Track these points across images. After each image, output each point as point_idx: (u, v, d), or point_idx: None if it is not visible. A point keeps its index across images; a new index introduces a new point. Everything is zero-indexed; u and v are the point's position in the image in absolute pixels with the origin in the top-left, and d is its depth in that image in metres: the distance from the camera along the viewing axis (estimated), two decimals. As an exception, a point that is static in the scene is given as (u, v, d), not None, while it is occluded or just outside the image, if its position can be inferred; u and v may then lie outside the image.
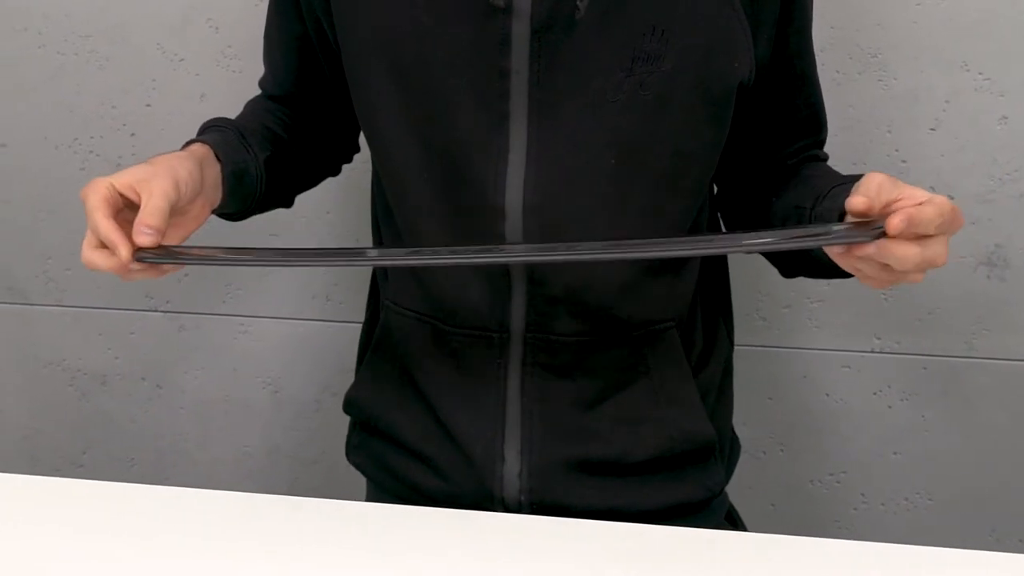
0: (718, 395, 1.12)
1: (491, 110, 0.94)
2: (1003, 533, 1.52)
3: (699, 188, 1.03)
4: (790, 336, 1.49)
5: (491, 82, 0.94)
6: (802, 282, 1.45)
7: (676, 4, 0.93)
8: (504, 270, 0.99)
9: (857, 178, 0.98)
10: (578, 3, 0.91)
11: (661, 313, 1.04)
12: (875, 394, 1.50)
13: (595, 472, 1.04)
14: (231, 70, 1.45)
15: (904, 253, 0.81)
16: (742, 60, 0.96)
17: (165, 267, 0.89)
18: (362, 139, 1.10)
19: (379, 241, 1.12)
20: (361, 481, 1.17)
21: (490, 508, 1.02)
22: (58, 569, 0.86)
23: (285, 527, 0.91)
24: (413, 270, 1.05)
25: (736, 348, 1.50)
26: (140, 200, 0.87)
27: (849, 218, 0.84)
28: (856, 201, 0.81)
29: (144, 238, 0.85)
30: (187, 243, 0.93)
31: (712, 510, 1.11)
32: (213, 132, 1.02)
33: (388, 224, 1.07)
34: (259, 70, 1.15)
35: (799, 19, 1.00)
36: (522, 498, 1.03)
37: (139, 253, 0.86)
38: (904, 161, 1.38)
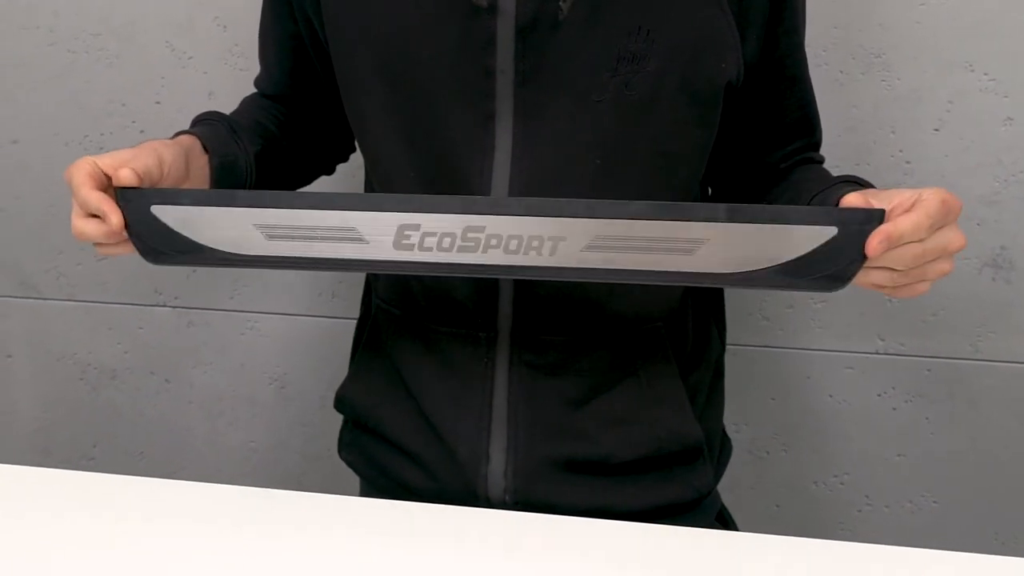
0: (708, 396, 1.12)
1: (477, 109, 0.95)
2: (1008, 536, 1.51)
3: (687, 189, 1.02)
4: (793, 337, 1.48)
5: (477, 82, 0.94)
6: (805, 283, 1.45)
7: (662, 4, 0.93)
8: None
9: (846, 181, 0.98)
10: (561, 3, 0.91)
11: (649, 313, 1.04)
12: (879, 396, 1.49)
13: (581, 472, 1.04)
14: (238, 68, 1.47)
15: (901, 254, 0.81)
16: (729, 60, 0.96)
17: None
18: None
19: None
20: (362, 476, 1.18)
21: (475, 506, 1.02)
22: (69, 560, 0.87)
23: (286, 521, 0.92)
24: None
25: (739, 348, 1.50)
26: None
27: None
28: (851, 201, 0.82)
29: (125, 175, 0.87)
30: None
31: (702, 510, 1.11)
32: (203, 125, 1.03)
33: None
34: (264, 68, 1.16)
35: (789, 20, 0.99)
36: (507, 497, 1.03)
37: (122, 192, 0.87)
38: (908, 162, 1.38)
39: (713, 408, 1.14)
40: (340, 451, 1.17)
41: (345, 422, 1.17)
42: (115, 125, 1.53)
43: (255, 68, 1.15)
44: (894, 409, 1.49)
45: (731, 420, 1.45)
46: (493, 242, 0.85)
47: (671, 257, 0.84)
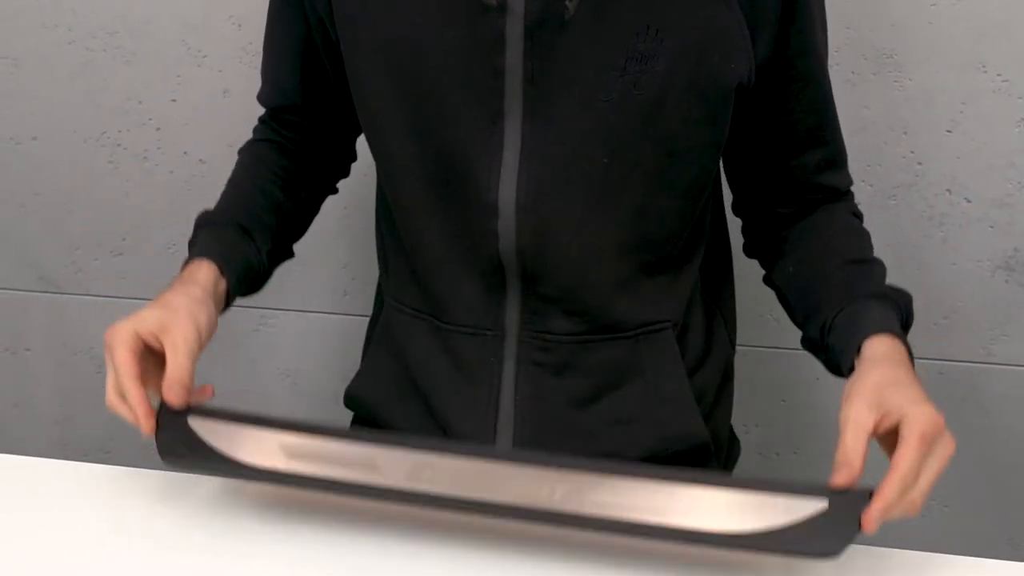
0: (715, 397, 1.12)
1: (486, 108, 0.95)
2: (1020, 542, 1.50)
3: (697, 190, 1.02)
4: (804, 338, 1.48)
5: (486, 81, 0.94)
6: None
7: (671, 3, 0.92)
8: (498, 268, 1.00)
9: (868, 283, 0.98)
10: (567, 2, 0.91)
11: (657, 313, 1.04)
12: (890, 398, 1.48)
13: None
14: (253, 66, 1.47)
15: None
16: (739, 61, 0.95)
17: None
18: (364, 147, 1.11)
19: (381, 244, 1.13)
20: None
21: None
22: (85, 550, 0.89)
23: (293, 515, 0.93)
24: (410, 267, 1.06)
25: (749, 349, 1.50)
26: (162, 347, 0.91)
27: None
28: (839, 480, 0.81)
29: (174, 397, 0.89)
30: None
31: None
32: (214, 235, 1.04)
33: (388, 221, 1.09)
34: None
35: (801, 19, 0.97)
36: None
37: (163, 410, 0.90)
38: (920, 163, 1.37)
39: (721, 409, 1.14)
40: None
41: (354, 419, 1.18)
42: (131, 123, 1.54)
43: (269, 67, 1.15)
44: (905, 412, 1.48)
45: (741, 421, 1.45)
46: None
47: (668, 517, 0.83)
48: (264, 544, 0.90)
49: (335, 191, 1.21)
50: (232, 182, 1.12)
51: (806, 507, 0.81)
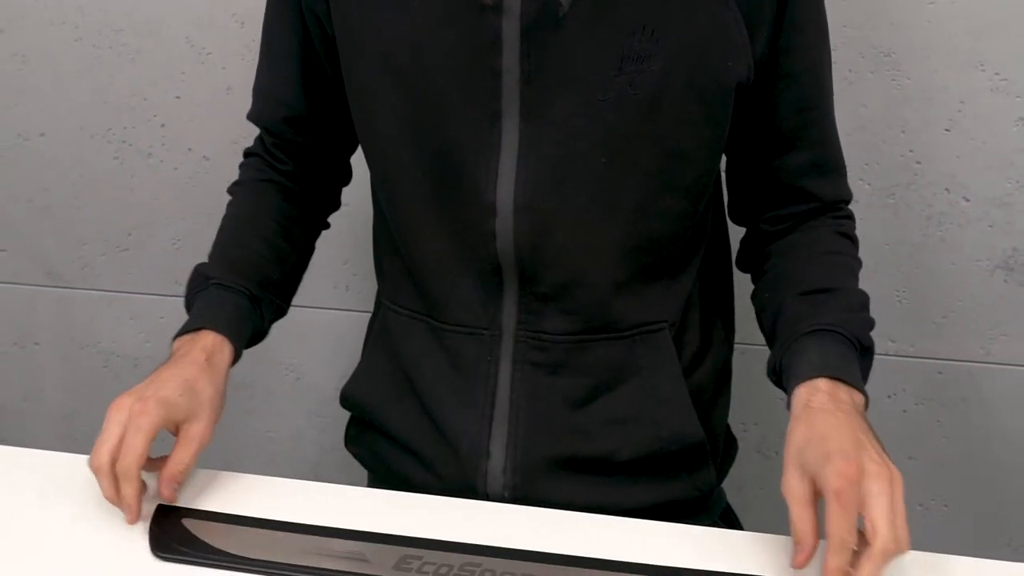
0: (712, 396, 1.11)
1: (484, 109, 0.95)
2: (1020, 543, 1.50)
3: (696, 189, 1.01)
4: (803, 336, 1.48)
5: (483, 81, 0.94)
6: (814, 282, 1.45)
7: (667, 3, 0.92)
8: (496, 268, 1.00)
9: (813, 317, 0.97)
10: (561, 1, 0.91)
11: (654, 314, 1.03)
12: (889, 397, 1.48)
13: (581, 470, 1.04)
14: (255, 64, 1.49)
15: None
16: (738, 59, 0.94)
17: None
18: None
19: (377, 247, 1.14)
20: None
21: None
22: (94, 543, 0.91)
23: (300, 509, 0.95)
24: (407, 267, 1.06)
25: (748, 347, 1.49)
26: (176, 430, 0.94)
27: None
28: (799, 560, 0.81)
29: (168, 492, 0.92)
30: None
31: (706, 509, 1.11)
32: (229, 306, 1.05)
33: (383, 223, 1.10)
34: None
35: (791, 15, 0.96)
36: (505, 493, 1.03)
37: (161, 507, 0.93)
38: (919, 162, 1.37)
39: (717, 408, 1.13)
40: (346, 444, 1.19)
41: (351, 419, 1.19)
42: (137, 119, 1.56)
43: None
44: (904, 411, 1.48)
45: (740, 420, 1.45)
46: (487, 575, 0.87)
47: None
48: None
49: (328, 226, 1.21)
50: (234, 229, 1.12)
51: None
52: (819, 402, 0.89)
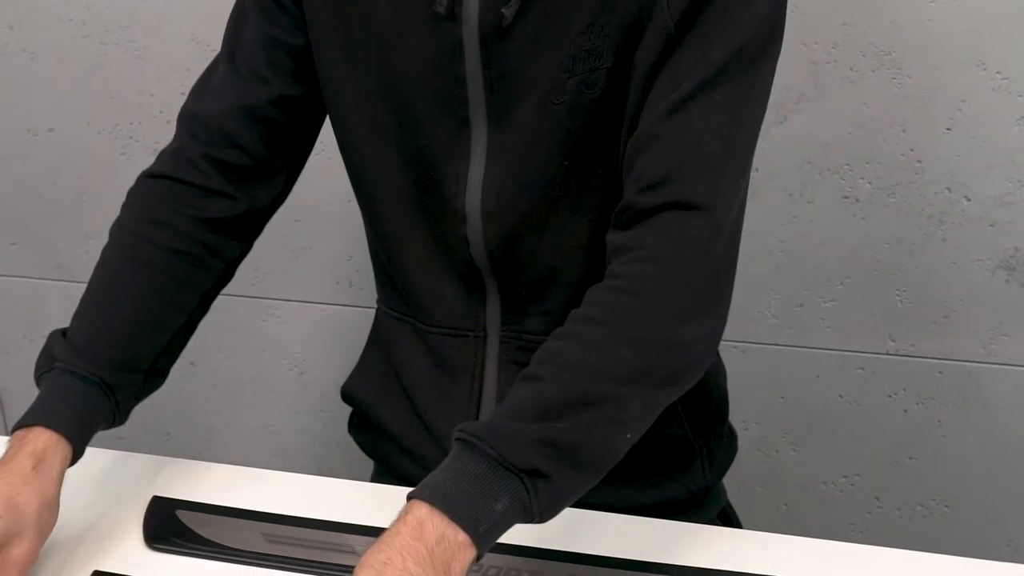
0: (700, 394, 1.11)
1: (453, 117, 0.95)
2: (1020, 543, 1.49)
3: None
4: (803, 336, 1.48)
5: (451, 90, 0.95)
6: (814, 281, 1.45)
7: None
8: (475, 271, 1.00)
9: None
10: (504, 10, 0.90)
11: None
12: (890, 397, 1.48)
13: None
14: (260, 61, 1.50)
15: None
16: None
17: None
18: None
19: (374, 253, 1.14)
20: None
21: None
22: (100, 535, 0.93)
23: (303, 503, 0.97)
24: (391, 271, 1.07)
25: (748, 346, 1.50)
26: None
27: None
28: None
29: None
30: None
31: (701, 508, 1.11)
32: (72, 397, 0.93)
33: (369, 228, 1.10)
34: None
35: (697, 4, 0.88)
36: None
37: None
38: (919, 161, 1.36)
39: (707, 406, 1.13)
40: (350, 431, 1.20)
41: (352, 415, 1.20)
42: (144, 115, 1.57)
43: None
44: (905, 411, 1.48)
45: (740, 418, 1.45)
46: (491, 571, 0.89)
47: None
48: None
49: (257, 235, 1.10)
50: (100, 289, 1.00)
51: None
52: (403, 531, 0.78)
